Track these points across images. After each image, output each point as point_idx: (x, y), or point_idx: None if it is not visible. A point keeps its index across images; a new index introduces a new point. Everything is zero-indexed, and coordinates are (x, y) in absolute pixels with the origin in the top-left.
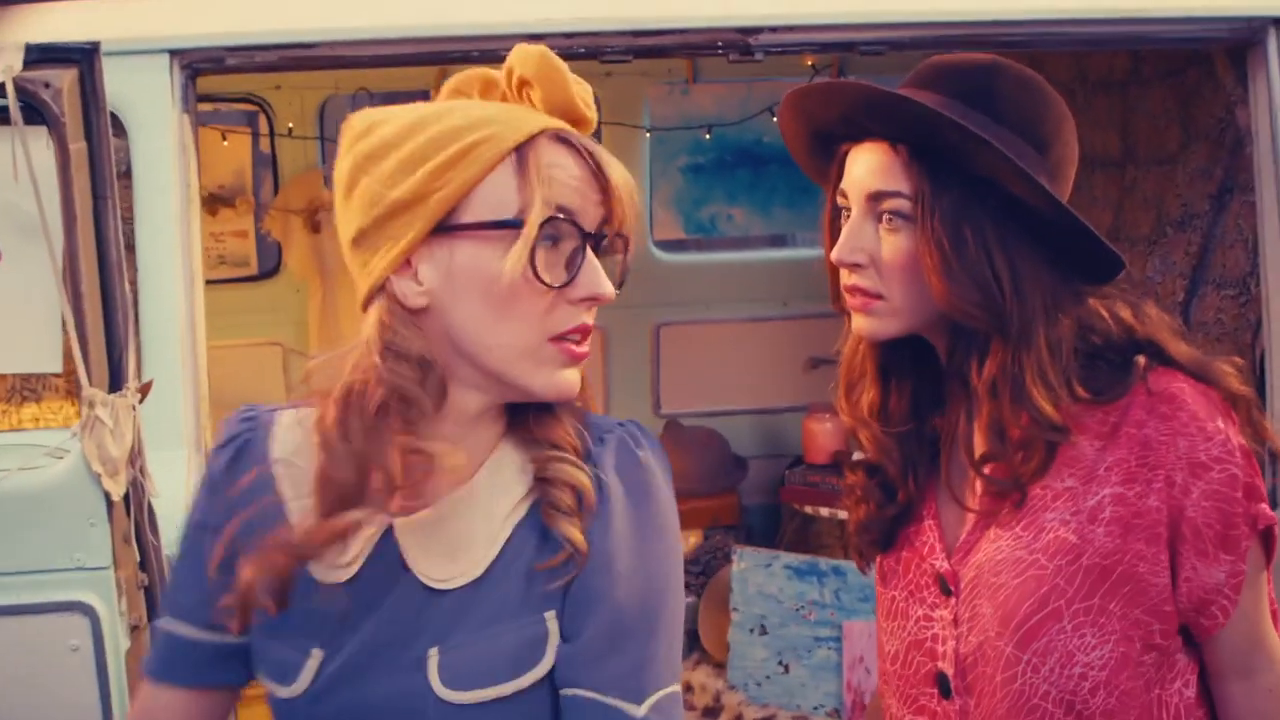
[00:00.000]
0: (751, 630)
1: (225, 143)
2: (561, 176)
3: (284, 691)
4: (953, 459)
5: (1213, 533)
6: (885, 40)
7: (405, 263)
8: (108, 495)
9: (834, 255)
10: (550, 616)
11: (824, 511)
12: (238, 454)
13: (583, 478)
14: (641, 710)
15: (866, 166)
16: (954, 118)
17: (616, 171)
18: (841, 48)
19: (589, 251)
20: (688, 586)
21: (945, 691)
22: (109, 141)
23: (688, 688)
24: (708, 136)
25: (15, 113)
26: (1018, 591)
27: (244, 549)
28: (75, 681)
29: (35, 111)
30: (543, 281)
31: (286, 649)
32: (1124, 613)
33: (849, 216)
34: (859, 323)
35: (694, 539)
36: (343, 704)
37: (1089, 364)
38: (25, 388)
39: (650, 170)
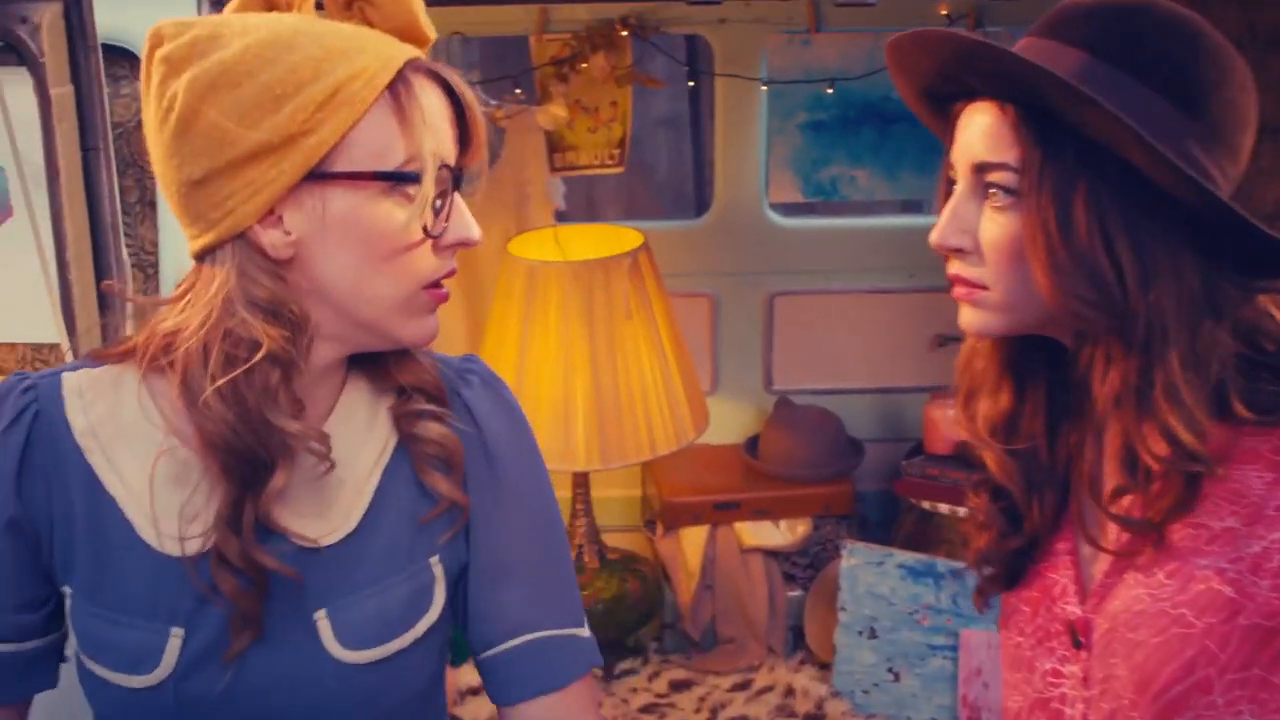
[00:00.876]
0: (860, 632)
1: None
2: (435, 120)
3: (138, 680)
4: (1083, 488)
5: None
6: None
7: (268, 211)
8: None
9: (932, 238)
10: (434, 562)
11: (943, 508)
12: (26, 431)
13: (451, 437)
14: (586, 631)
15: (973, 132)
16: (1054, 71)
17: (475, 103)
18: None
19: (456, 194)
20: (794, 579)
21: None
22: (100, 85)
23: (789, 691)
24: (830, 91)
25: None
26: (1158, 653)
27: (67, 547)
28: None
29: (14, 52)
30: (428, 234)
31: (137, 634)
32: None
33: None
34: (964, 315)
35: (802, 528)
36: (222, 684)
37: (1254, 376)
38: (37, 358)
39: (766, 127)
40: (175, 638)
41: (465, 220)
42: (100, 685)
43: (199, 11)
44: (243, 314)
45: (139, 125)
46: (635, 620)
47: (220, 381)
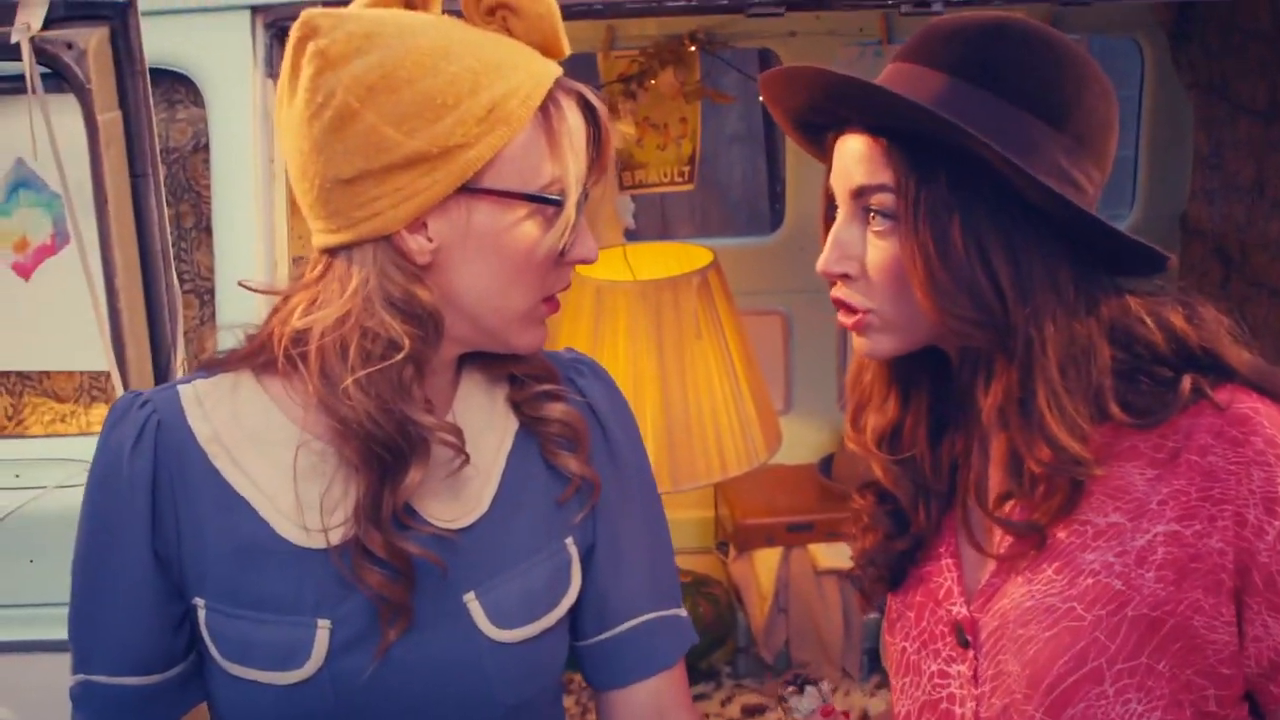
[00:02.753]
0: None
1: None
2: (578, 142)
3: (292, 676)
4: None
5: None
6: None
7: (416, 217)
8: None
9: (819, 266)
10: (570, 543)
11: None
12: (153, 445)
13: (574, 414)
14: (682, 609)
15: (849, 159)
16: (921, 102)
17: (610, 124)
18: None
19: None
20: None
21: None
22: (149, 110)
23: (864, 717)
24: None
25: (34, 78)
26: (1049, 646)
27: (198, 558)
28: None
29: (61, 78)
30: (561, 254)
31: (284, 630)
32: (1173, 674)
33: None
34: (857, 343)
35: None
36: (375, 671)
37: (1130, 379)
38: (95, 386)
39: None
40: (323, 629)
41: (588, 239)
42: (249, 689)
43: (252, 32)
44: (382, 313)
45: (196, 150)
46: (708, 644)
47: (360, 374)
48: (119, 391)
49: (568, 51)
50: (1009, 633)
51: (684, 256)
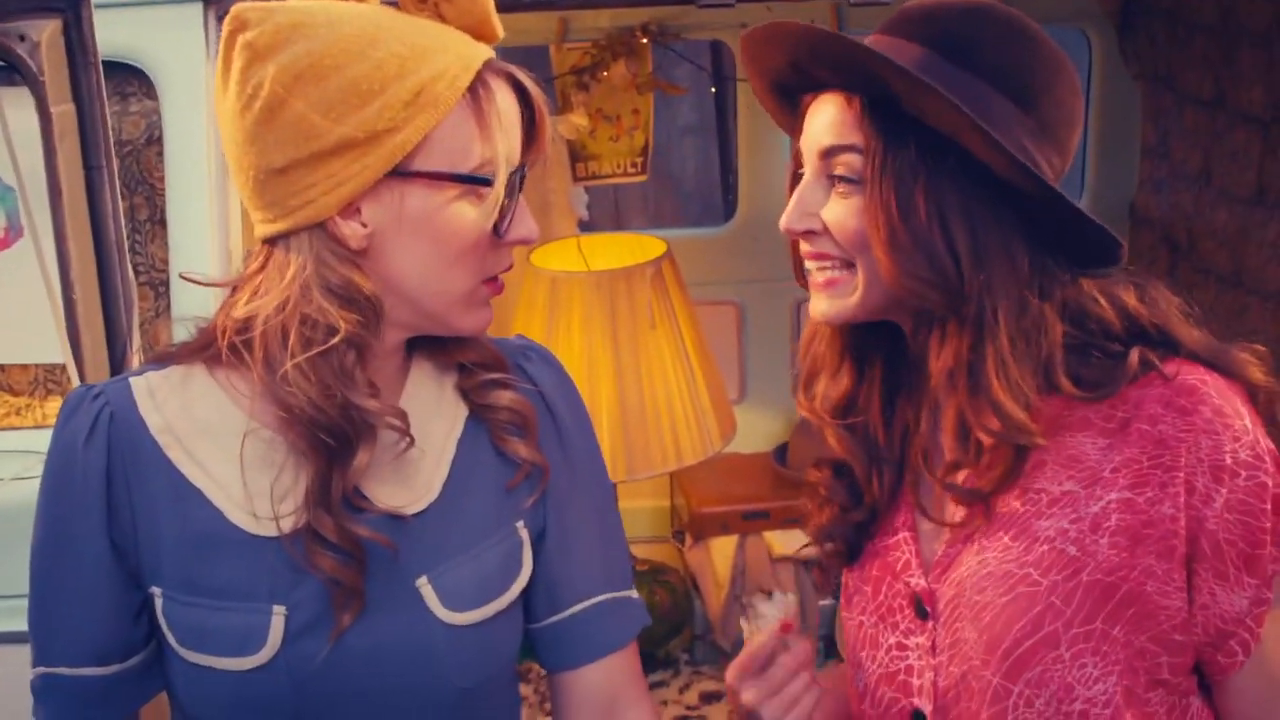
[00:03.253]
0: None
1: None
2: (508, 122)
3: (248, 661)
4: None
5: (1235, 551)
6: None
7: (349, 203)
8: None
9: (782, 223)
10: (520, 526)
11: None
12: (106, 437)
13: (523, 401)
14: (634, 590)
15: (821, 121)
16: (901, 63)
17: (544, 103)
18: None
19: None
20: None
21: None
22: (102, 102)
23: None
24: None
25: None
26: (1006, 612)
27: (154, 547)
28: None
29: (14, 70)
30: (497, 234)
31: (239, 616)
32: (1127, 639)
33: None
34: (816, 304)
35: None
36: (331, 655)
37: (1081, 354)
38: (50, 379)
39: None
40: (279, 615)
41: (526, 219)
42: (205, 676)
43: (205, 25)
44: (319, 300)
45: (149, 142)
46: (665, 632)
47: (300, 360)
48: (75, 383)
49: (501, 34)
50: (966, 600)
51: (638, 247)
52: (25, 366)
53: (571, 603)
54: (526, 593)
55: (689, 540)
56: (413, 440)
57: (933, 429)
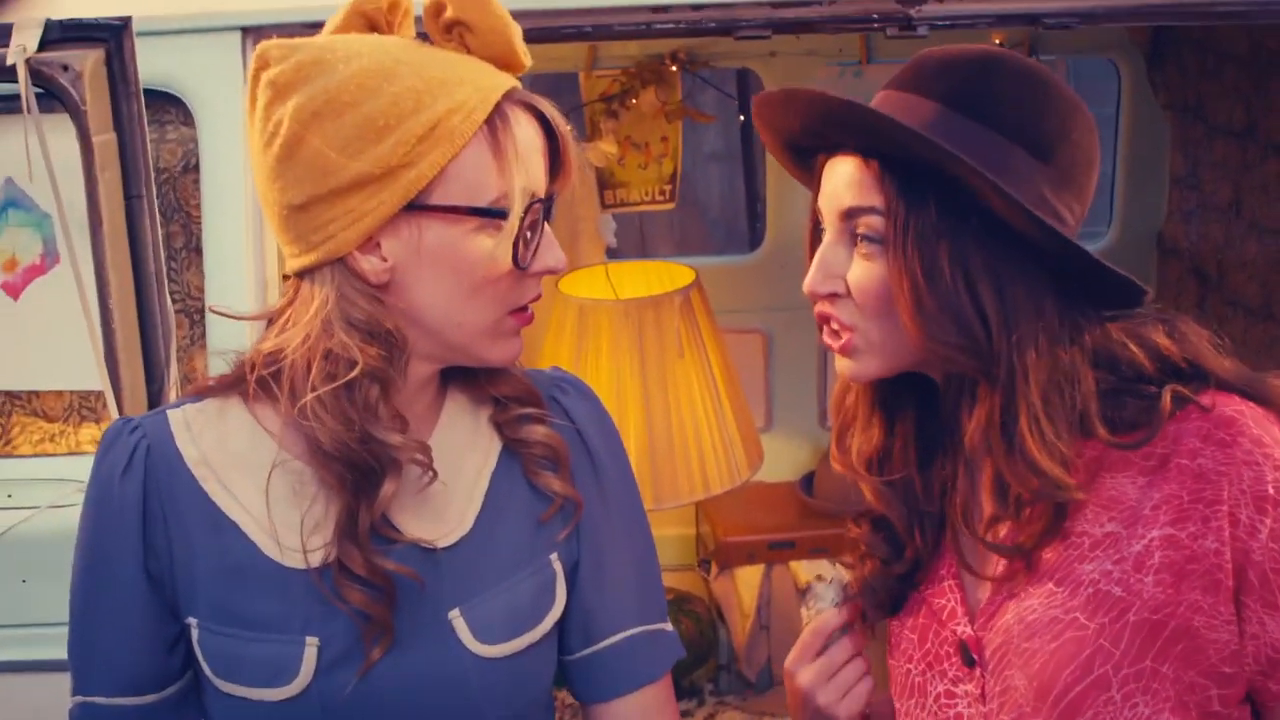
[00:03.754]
0: None
1: None
2: (527, 153)
3: (281, 693)
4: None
5: None
6: (1075, 11)
7: (367, 238)
8: None
9: (805, 286)
10: (554, 559)
11: None
12: (142, 469)
13: (555, 436)
14: (670, 625)
15: (839, 181)
16: (916, 128)
17: (567, 132)
18: (1023, 20)
19: (545, 223)
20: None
21: None
22: (143, 132)
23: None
24: None
25: (29, 100)
26: (1055, 658)
27: (189, 578)
28: None
29: (56, 99)
30: (518, 265)
31: (273, 648)
32: (1177, 675)
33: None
34: (840, 364)
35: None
36: (363, 687)
37: (1114, 398)
38: (84, 406)
39: None
40: (311, 647)
41: (553, 249)
42: (240, 706)
43: (243, 53)
44: (341, 335)
45: (186, 170)
46: (690, 662)
47: (322, 392)
48: (112, 412)
49: (528, 64)
50: (1014, 647)
51: (666, 275)
52: (60, 393)
53: (605, 635)
54: (560, 624)
55: (714, 569)
56: (435, 475)
57: (970, 485)
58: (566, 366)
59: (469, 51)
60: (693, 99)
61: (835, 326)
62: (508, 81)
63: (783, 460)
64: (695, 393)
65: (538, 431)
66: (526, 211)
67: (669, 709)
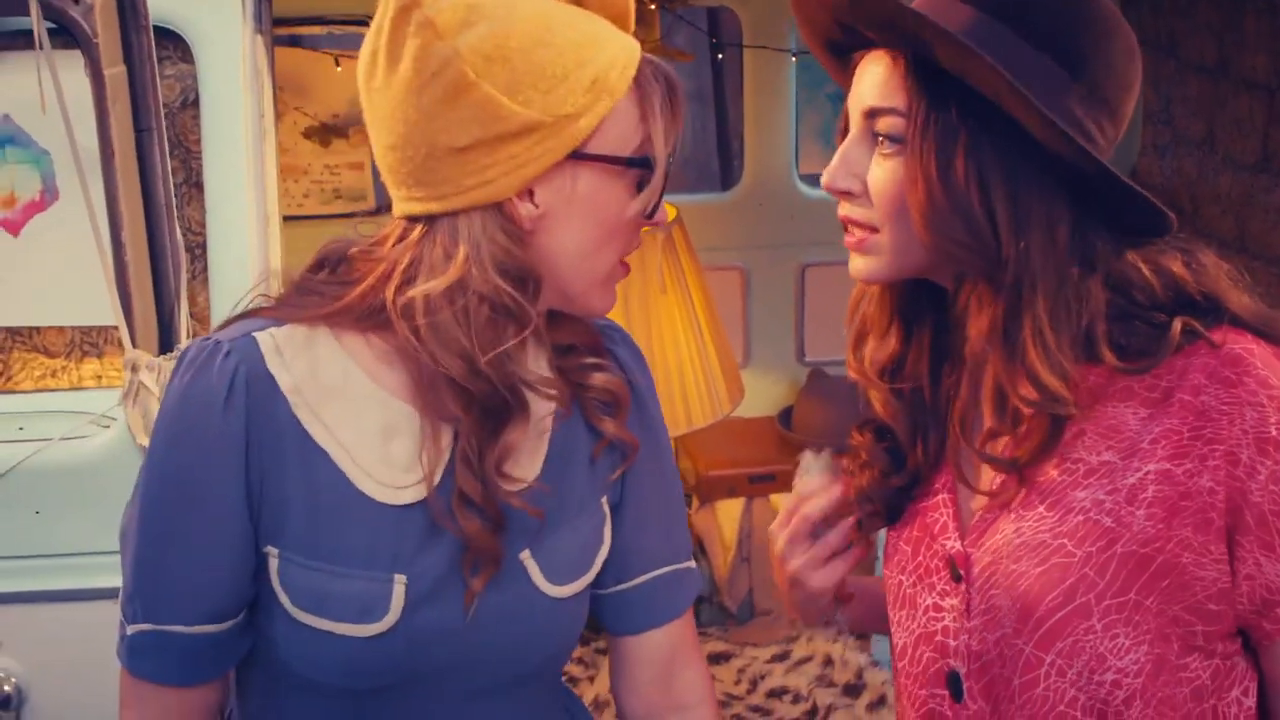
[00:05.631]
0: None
1: (339, 69)
2: (663, 110)
3: (370, 629)
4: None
5: None
6: None
7: (526, 185)
8: None
9: (823, 181)
10: (604, 501)
11: None
12: (244, 400)
13: (619, 383)
14: (693, 561)
15: (867, 80)
16: (945, 25)
17: (682, 93)
18: None
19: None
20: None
21: (957, 694)
22: (153, 65)
23: (828, 661)
24: None
25: (41, 34)
26: (1040, 581)
27: (279, 506)
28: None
29: (68, 34)
30: (650, 216)
31: (361, 583)
32: (1161, 609)
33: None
34: (853, 264)
35: None
36: (440, 625)
37: (1124, 323)
38: (86, 341)
39: (796, 98)
40: (400, 584)
41: (661, 203)
42: (321, 639)
43: None
44: (494, 278)
45: (184, 105)
46: None
47: (477, 337)
48: (126, 344)
49: (633, 27)
50: (1001, 568)
51: None
52: (61, 329)
53: (640, 573)
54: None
55: (696, 503)
56: (568, 411)
57: (973, 395)
58: None
59: (584, 8)
60: (667, 38)
61: (852, 226)
62: (637, 42)
63: (761, 396)
64: (678, 328)
65: (599, 378)
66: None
67: (692, 638)
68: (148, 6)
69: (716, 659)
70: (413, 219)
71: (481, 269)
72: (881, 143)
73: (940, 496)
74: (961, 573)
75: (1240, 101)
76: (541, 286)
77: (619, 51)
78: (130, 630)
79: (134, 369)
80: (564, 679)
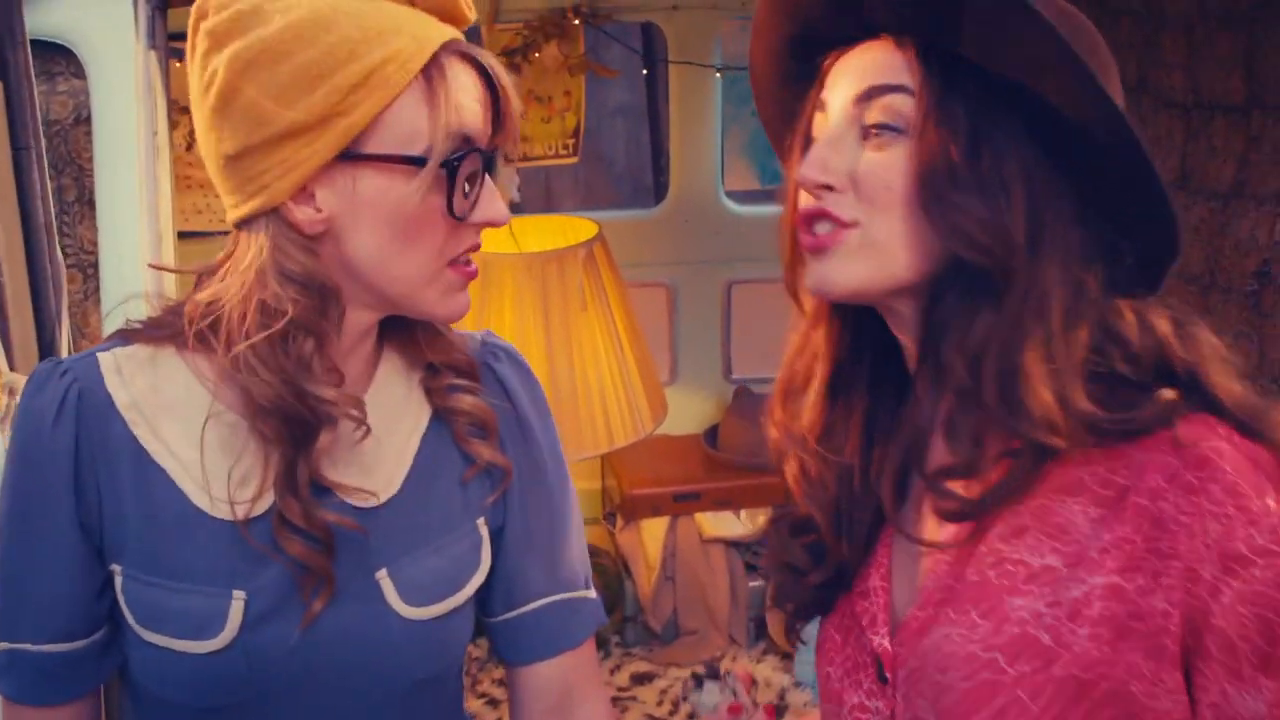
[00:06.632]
0: None
1: None
2: (466, 101)
3: (206, 645)
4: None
5: (1250, 648)
6: None
7: (301, 188)
8: None
9: (801, 171)
10: (481, 523)
11: None
12: (74, 414)
13: (482, 405)
14: (593, 591)
15: (859, 66)
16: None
17: (509, 85)
18: None
19: (485, 174)
20: (756, 569)
21: None
22: (30, 82)
23: (752, 682)
24: None
25: None
26: (966, 699)
27: (117, 524)
28: None
29: None
30: (453, 215)
31: (198, 599)
32: None
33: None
34: (814, 271)
35: (763, 518)
36: (290, 642)
37: (1098, 380)
38: None
39: (721, 114)
40: (238, 600)
41: (494, 201)
42: (164, 656)
43: (134, 5)
44: (274, 285)
45: (77, 122)
46: None
47: (255, 341)
48: (2, 366)
49: (472, 17)
50: (928, 676)
51: (569, 229)
52: None
53: (527, 600)
54: (484, 587)
55: (620, 522)
56: (369, 430)
57: (929, 424)
58: (470, 320)
59: (412, 5)
60: (595, 54)
61: (828, 223)
62: (447, 33)
63: (686, 413)
64: (599, 346)
65: (466, 401)
66: (464, 160)
67: (591, 670)
68: (24, 22)
69: (640, 679)
70: (234, 226)
71: (263, 276)
72: (874, 132)
73: (873, 584)
74: (888, 675)
75: (1160, 120)
76: (338, 295)
77: (406, 44)
78: None
79: (11, 393)
80: (483, 703)
